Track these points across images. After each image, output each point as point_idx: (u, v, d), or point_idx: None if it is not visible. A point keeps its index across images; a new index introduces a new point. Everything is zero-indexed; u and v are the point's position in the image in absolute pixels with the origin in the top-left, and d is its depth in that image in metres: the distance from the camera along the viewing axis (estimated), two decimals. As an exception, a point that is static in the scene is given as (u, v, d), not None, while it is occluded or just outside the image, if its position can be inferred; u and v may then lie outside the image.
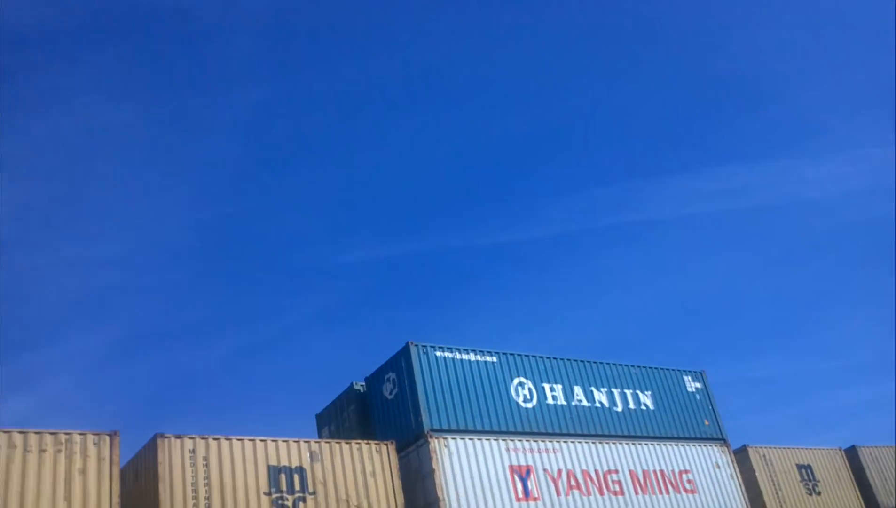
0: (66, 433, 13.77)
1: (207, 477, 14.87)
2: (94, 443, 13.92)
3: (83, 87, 58.20)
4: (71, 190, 55.86)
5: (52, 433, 13.63)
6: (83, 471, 13.57)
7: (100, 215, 56.82)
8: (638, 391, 23.70)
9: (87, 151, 57.17)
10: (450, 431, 18.82)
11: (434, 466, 17.89)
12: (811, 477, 26.92)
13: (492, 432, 19.56)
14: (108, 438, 14.10)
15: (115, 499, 13.64)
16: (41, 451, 13.37)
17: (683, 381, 25.29)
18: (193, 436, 15.17)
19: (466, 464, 18.51)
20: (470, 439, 18.98)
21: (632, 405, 23.16)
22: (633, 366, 24.27)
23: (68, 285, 53.59)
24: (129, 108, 61.00)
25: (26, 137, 54.58)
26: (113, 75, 59.92)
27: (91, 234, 56.12)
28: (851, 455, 29.10)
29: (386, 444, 17.88)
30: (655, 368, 24.88)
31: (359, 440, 17.77)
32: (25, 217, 53.03)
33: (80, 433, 13.91)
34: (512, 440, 19.71)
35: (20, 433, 13.36)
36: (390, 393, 19.85)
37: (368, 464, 17.30)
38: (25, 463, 13.13)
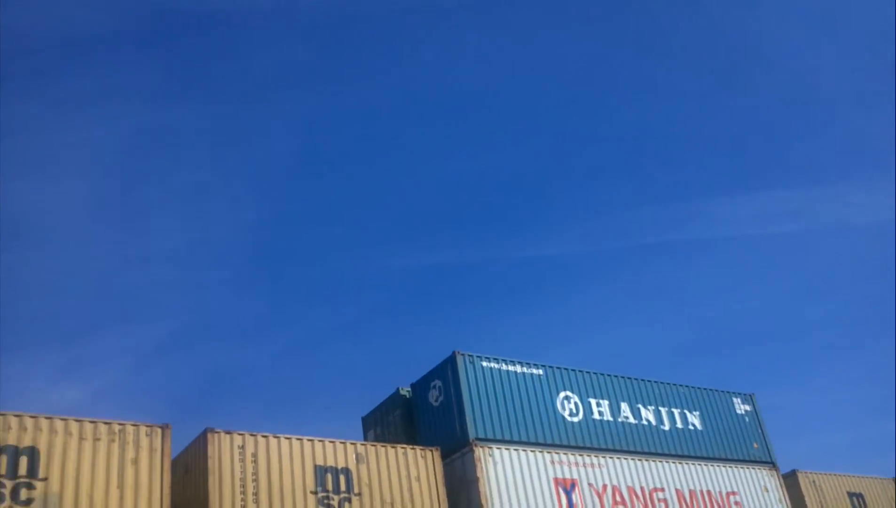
0: (120, 424, 14.01)
1: (255, 473, 15.01)
2: (147, 435, 14.16)
3: (135, 88, 59.46)
4: (124, 187, 57.03)
5: (106, 423, 13.88)
6: (135, 461, 13.80)
7: (152, 212, 57.81)
8: (686, 411, 23.36)
9: (139, 149, 58.29)
10: (495, 441, 18.74)
11: (478, 474, 17.81)
12: (863, 506, 26.18)
13: (537, 444, 19.41)
14: (160, 430, 14.34)
15: (167, 490, 13.83)
16: (96, 440, 13.62)
17: (733, 403, 24.87)
18: (243, 433, 15.34)
19: (511, 474, 18.40)
20: (515, 449, 18.86)
21: (679, 425, 22.83)
22: (681, 386, 23.94)
23: (121, 279, 54.53)
24: (180, 109, 62.22)
25: (80, 135, 56.07)
26: (164, 78, 61.22)
27: (143, 230, 57.17)
28: (905, 485, 28.26)
29: (431, 450, 17.86)
30: (704, 388, 24.51)
31: (404, 445, 17.79)
32: (81, 212, 54.39)
33: (133, 425, 14.16)
34: (557, 453, 19.54)
35: (76, 421, 13.62)
36: (436, 400, 19.85)
37: (413, 469, 17.30)
38: (81, 451, 13.38)
